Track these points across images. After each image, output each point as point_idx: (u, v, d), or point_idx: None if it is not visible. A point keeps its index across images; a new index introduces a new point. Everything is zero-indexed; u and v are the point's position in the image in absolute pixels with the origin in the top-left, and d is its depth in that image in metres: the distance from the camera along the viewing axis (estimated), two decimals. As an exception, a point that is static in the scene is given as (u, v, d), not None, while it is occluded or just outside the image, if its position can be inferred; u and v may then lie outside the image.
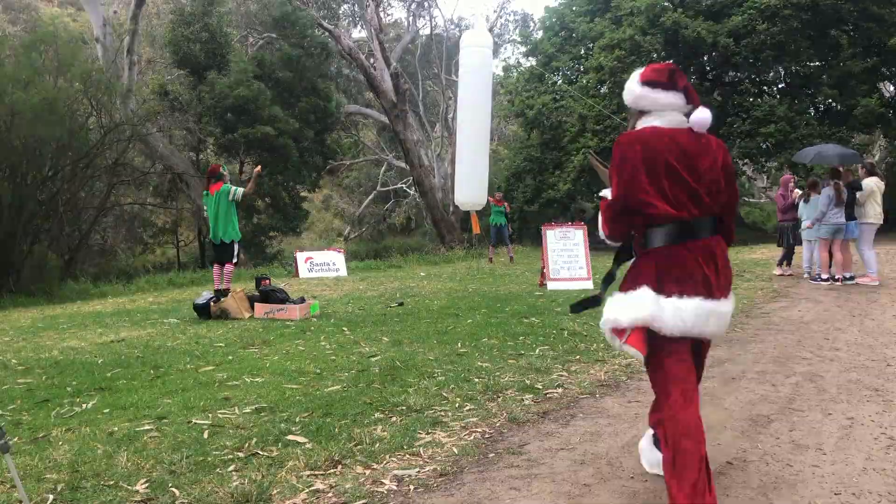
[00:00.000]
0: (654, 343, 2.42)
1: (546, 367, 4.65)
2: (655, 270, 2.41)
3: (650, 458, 2.81)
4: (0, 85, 13.82)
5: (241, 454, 3.10)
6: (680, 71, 2.58)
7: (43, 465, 3.01)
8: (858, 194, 9.06)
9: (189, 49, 20.64)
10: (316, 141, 23.49)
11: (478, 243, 20.21)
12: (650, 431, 2.79)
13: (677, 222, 2.39)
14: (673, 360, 2.41)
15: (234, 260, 8.82)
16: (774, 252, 13.14)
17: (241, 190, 8.55)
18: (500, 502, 2.61)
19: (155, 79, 23.19)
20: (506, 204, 15.52)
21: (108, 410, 3.90)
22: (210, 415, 3.70)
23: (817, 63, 20.02)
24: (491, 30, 36.14)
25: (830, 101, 19.72)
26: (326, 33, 24.17)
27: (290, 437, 3.30)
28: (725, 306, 2.46)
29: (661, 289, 2.37)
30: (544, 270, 9.96)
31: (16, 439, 3.41)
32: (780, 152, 19.44)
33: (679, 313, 2.34)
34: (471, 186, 9.32)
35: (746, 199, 33.52)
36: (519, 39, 31.64)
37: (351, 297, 9.55)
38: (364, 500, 2.63)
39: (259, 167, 9.72)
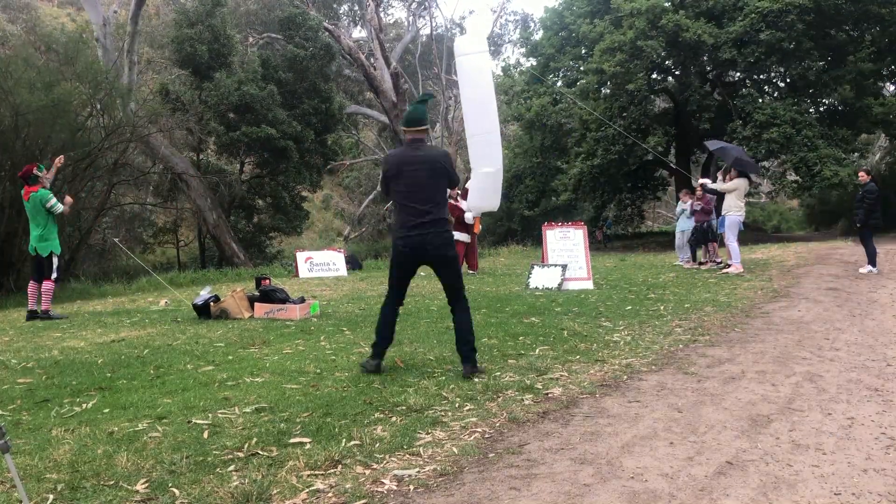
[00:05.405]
0: None
1: (546, 367, 4.65)
2: None
3: None
4: (4, 85, 13.81)
5: (241, 454, 3.09)
6: None
7: (43, 465, 3.01)
8: (721, 187, 10.63)
9: (193, 49, 20.64)
10: (317, 141, 23.52)
11: (478, 243, 20.21)
12: None
13: None
14: None
15: (54, 276, 8.19)
16: (774, 252, 13.12)
17: (60, 206, 8.22)
18: (500, 502, 2.61)
19: (156, 79, 23.20)
20: None
21: (108, 410, 3.89)
22: (210, 415, 3.70)
23: (820, 64, 20.05)
24: (490, 32, 36.15)
25: (834, 102, 19.72)
26: (328, 34, 24.21)
27: (290, 437, 3.30)
28: None
29: None
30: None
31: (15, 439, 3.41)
32: (784, 153, 19.44)
33: None
34: (485, 197, 9.22)
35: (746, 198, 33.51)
36: (519, 40, 31.68)
37: (351, 297, 9.54)
38: (364, 500, 2.63)
39: (61, 158, 8.98)
